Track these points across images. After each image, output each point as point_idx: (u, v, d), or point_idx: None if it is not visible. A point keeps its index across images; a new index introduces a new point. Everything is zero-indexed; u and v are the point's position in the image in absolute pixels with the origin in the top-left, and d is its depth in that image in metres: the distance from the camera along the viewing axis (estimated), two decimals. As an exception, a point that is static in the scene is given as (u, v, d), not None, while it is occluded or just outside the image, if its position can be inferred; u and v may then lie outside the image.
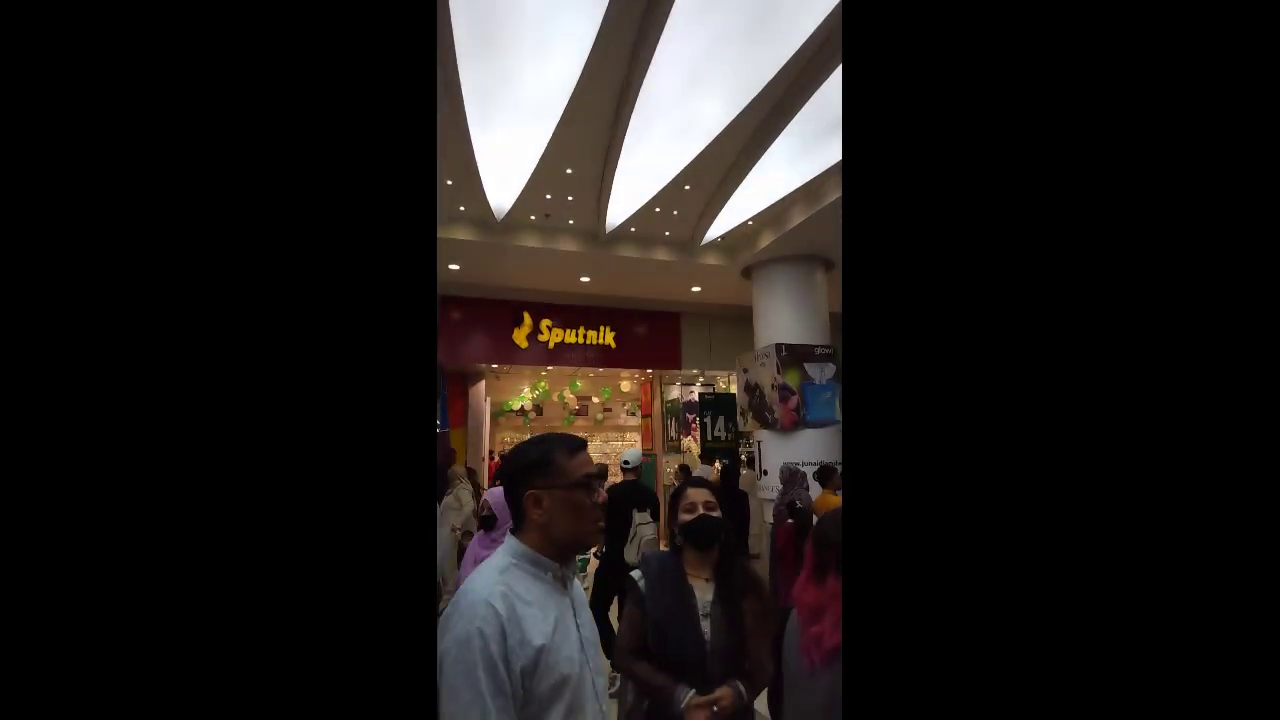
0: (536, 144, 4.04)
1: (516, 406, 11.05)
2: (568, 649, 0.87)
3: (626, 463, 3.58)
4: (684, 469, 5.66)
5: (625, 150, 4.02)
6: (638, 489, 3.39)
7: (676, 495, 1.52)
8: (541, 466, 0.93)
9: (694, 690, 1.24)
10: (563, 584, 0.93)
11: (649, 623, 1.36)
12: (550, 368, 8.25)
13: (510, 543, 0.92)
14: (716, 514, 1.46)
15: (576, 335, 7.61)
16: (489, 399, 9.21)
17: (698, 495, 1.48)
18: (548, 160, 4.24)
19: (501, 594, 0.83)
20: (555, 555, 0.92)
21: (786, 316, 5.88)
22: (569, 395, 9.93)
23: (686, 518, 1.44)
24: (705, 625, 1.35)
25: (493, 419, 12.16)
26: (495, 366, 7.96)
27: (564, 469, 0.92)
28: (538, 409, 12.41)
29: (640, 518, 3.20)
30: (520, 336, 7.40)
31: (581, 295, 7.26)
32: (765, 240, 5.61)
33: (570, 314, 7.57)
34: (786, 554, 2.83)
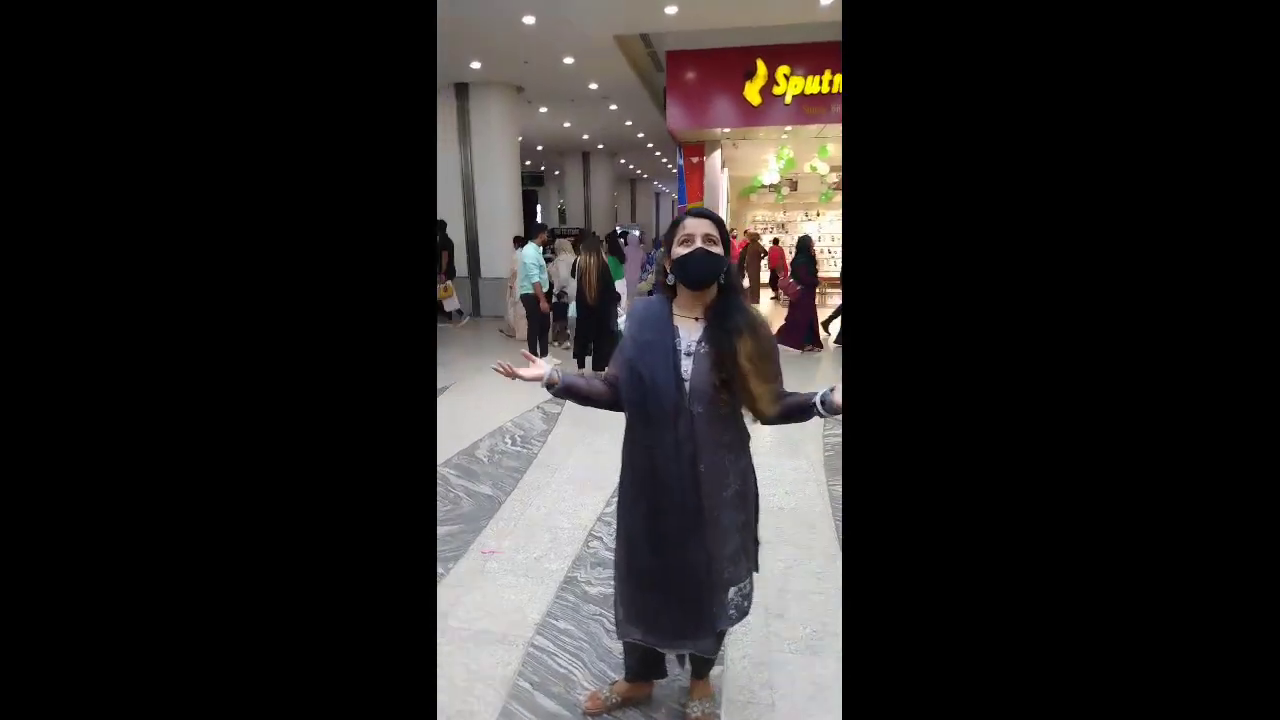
0: None
1: (766, 182, 10.24)
2: None
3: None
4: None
5: None
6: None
7: (673, 227, 1.26)
8: None
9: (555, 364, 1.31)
10: None
11: (624, 361, 1.26)
12: (790, 128, 7.15)
13: None
14: (716, 249, 1.21)
15: (820, 82, 6.30)
16: (726, 170, 8.66)
17: (697, 227, 1.22)
18: None
19: None
20: None
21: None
22: (820, 164, 8.66)
23: (681, 251, 1.21)
24: (687, 364, 1.23)
25: (741, 196, 11.66)
26: (728, 131, 7.26)
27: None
28: (791, 184, 11.34)
29: None
30: (753, 91, 6.46)
31: (824, 26, 5.78)
32: None
33: (811, 55, 6.21)
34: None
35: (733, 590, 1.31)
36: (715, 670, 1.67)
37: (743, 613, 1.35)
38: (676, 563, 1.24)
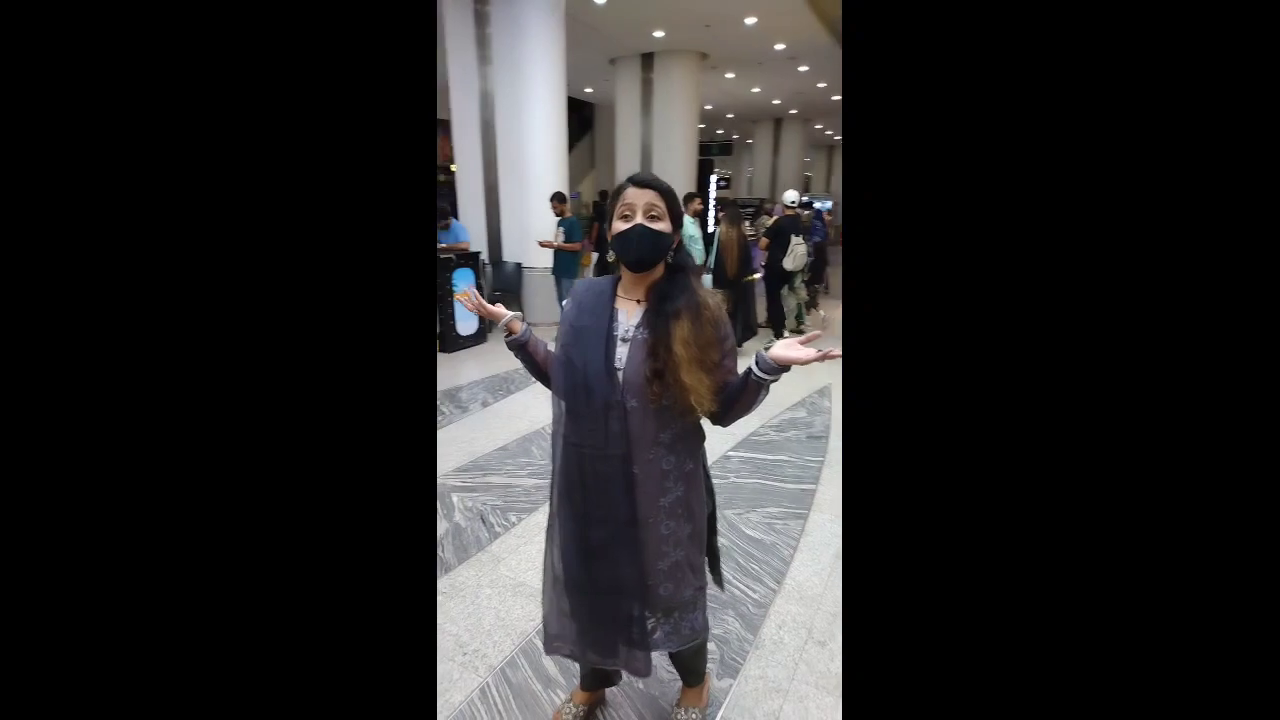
0: None
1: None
2: None
3: (791, 202, 5.28)
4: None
5: None
6: (795, 221, 5.18)
7: (614, 196, 1.09)
8: None
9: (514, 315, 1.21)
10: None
11: (559, 347, 1.14)
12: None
13: None
14: (660, 225, 1.06)
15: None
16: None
17: (638, 198, 1.05)
18: None
19: None
20: None
21: None
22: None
23: (620, 226, 1.06)
24: (622, 351, 1.08)
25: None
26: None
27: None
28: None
29: (795, 240, 5.06)
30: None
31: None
32: None
33: None
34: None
35: (675, 610, 1.17)
36: (724, 683, 1.57)
37: (695, 633, 1.21)
38: (604, 575, 1.12)
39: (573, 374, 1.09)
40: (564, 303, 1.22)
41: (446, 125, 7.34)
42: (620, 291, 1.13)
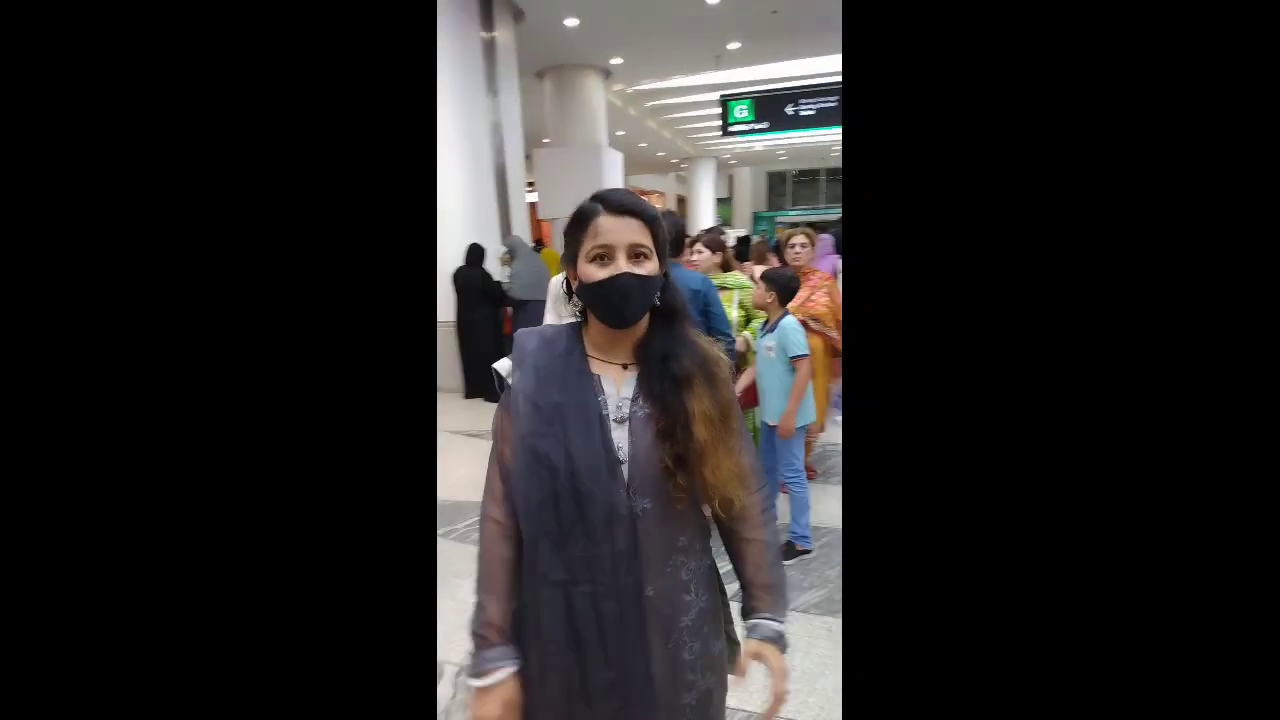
0: None
1: None
2: None
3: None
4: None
5: None
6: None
7: (578, 224, 0.78)
8: None
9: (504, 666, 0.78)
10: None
11: (518, 444, 0.77)
12: None
13: None
14: (647, 268, 0.75)
15: None
16: None
17: (618, 233, 0.74)
18: None
19: None
20: None
21: None
22: None
23: (595, 273, 0.75)
24: (619, 435, 0.77)
25: None
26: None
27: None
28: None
29: None
30: None
31: None
32: None
33: None
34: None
35: None
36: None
37: None
38: None
39: (550, 479, 0.74)
40: (499, 364, 0.83)
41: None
42: (591, 350, 0.81)
